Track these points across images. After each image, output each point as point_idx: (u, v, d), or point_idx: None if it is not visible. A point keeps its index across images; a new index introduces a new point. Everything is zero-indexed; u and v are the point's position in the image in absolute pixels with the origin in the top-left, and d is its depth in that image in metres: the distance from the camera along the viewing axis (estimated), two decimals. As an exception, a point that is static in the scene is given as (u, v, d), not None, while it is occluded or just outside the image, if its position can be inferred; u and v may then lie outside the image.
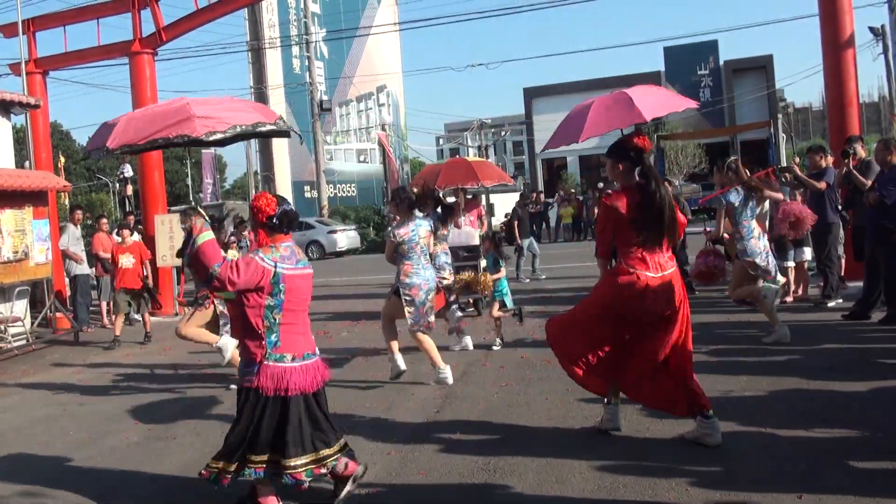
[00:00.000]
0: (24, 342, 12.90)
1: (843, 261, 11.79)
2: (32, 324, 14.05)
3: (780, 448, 5.26)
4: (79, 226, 16.06)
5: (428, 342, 7.91)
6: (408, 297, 7.81)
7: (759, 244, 8.74)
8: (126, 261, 12.76)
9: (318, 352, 5.00)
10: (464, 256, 12.22)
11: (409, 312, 7.82)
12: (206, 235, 4.74)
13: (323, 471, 4.83)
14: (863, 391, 6.52)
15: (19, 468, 6.36)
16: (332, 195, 44.74)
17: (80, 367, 11.00)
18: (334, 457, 4.87)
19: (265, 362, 4.75)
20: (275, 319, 4.79)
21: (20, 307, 13.43)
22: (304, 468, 4.74)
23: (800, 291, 11.52)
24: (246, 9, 37.64)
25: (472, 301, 12.55)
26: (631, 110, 6.86)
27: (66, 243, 15.07)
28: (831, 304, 10.68)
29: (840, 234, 11.21)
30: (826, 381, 6.81)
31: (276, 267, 4.77)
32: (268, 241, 4.95)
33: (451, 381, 7.85)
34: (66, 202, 26.79)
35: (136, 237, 14.44)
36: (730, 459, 5.12)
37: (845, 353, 7.95)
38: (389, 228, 8.26)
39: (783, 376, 7.09)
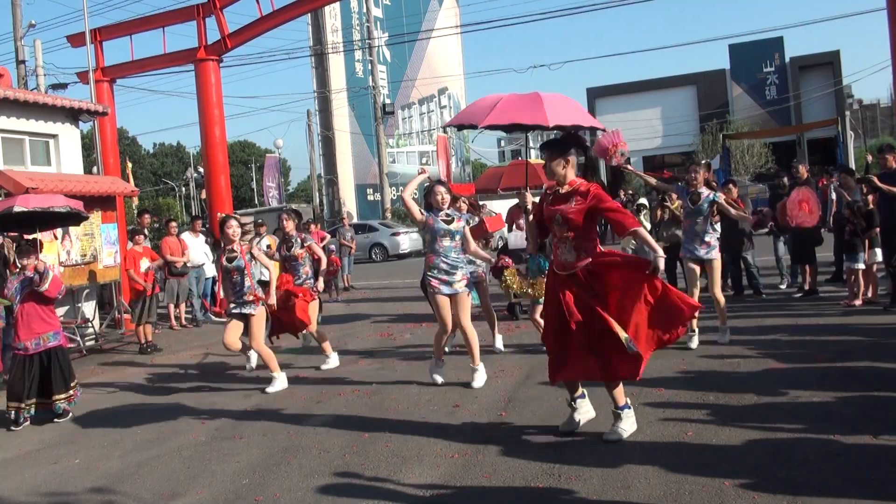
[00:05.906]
0: (93, 343, 13.21)
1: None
2: (101, 325, 14.38)
3: (848, 455, 5.15)
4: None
5: None
6: None
7: None
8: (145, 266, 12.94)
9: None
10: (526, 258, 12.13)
11: None
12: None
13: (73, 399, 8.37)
14: (937, 397, 6.36)
15: (88, 466, 6.52)
16: (395, 197, 44.96)
17: (147, 366, 11.23)
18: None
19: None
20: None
21: (89, 309, 13.75)
22: (64, 400, 8.21)
23: (869, 294, 11.25)
24: (309, 14, 38.06)
25: (506, 308, 12.55)
26: (537, 111, 7.03)
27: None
28: (902, 307, 10.43)
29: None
30: (897, 387, 6.65)
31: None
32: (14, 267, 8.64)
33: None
34: (135, 206, 27.36)
35: (202, 239, 14.94)
36: (797, 467, 5.02)
37: (918, 358, 7.75)
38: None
39: (851, 381, 6.94)
